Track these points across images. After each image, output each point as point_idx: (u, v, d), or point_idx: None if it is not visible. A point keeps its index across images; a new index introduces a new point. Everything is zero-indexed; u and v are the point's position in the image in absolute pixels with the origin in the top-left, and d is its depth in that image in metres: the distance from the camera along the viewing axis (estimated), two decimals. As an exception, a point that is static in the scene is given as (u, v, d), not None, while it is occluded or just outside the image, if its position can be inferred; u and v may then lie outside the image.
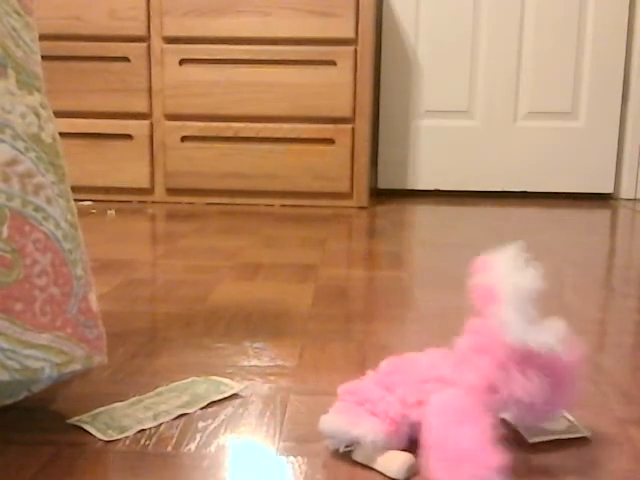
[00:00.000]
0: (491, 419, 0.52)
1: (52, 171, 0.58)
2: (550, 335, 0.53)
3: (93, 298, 0.62)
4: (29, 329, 0.55)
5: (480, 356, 0.55)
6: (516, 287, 0.53)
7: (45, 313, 0.56)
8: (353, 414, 0.55)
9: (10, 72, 0.56)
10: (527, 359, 0.54)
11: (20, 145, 0.55)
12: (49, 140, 0.58)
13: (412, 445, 0.55)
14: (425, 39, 2.25)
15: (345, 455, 0.56)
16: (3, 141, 0.54)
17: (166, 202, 2.05)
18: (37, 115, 0.57)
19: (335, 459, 0.56)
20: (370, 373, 0.60)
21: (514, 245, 0.56)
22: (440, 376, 0.57)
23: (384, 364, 0.61)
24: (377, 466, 0.54)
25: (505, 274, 0.54)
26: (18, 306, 0.54)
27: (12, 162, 0.55)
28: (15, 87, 0.56)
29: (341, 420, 0.55)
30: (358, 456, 0.55)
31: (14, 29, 0.58)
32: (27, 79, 0.57)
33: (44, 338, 0.56)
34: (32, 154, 0.56)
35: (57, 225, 0.58)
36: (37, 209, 0.56)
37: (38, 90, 0.59)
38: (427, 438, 0.52)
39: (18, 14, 0.58)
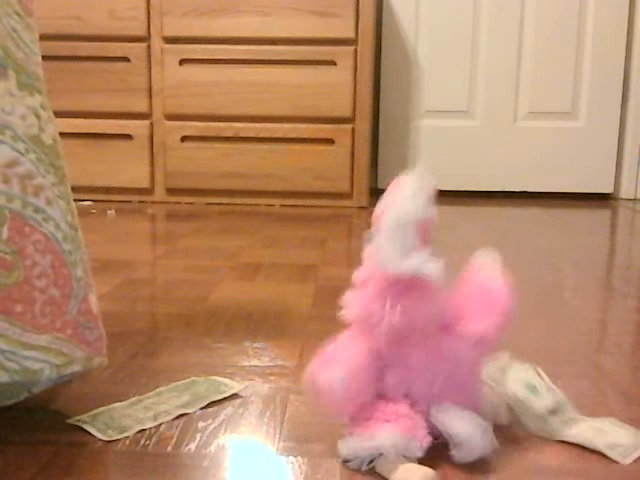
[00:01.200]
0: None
1: (52, 172, 0.58)
2: (420, 261, 0.51)
3: (93, 299, 0.62)
4: (29, 330, 0.55)
5: (365, 286, 0.54)
6: (397, 213, 0.51)
7: (45, 314, 0.56)
8: (366, 429, 0.54)
9: (11, 73, 0.56)
10: (411, 288, 0.52)
11: (20, 146, 0.55)
12: (49, 141, 0.58)
13: (437, 454, 0.54)
14: (425, 39, 2.25)
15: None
16: (3, 142, 0.54)
17: (166, 202, 2.05)
18: (37, 116, 0.58)
19: (335, 459, 0.56)
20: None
21: (422, 169, 0.54)
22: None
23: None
24: (397, 477, 0.51)
25: (396, 199, 0.53)
26: (18, 307, 0.54)
27: (12, 163, 0.55)
28: (15, 88, 0.56)
29: (356, 439, 0.54)
30: (381, 468, 0.53)
31: (15, 30, 0.58)
32: (27, 80, 0.57)
33: (44, 339, 0.56)
34: (32, 155, 0.56)
35: (57, 226, 0.58)
36: (37, 210, 0.56)
37: (39, 91, 0.59)
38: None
39: (19, 15, 0.58)
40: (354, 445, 0.54)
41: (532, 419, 0.61)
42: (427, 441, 0.54)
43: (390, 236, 0.51)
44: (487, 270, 0.57)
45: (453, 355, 0.56)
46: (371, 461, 0.54)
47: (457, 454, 0.54)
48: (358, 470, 0.54)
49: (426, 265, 0.51)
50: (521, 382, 0.64)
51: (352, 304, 0.55)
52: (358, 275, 0.55)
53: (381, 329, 0.53)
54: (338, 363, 0.54)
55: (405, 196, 0.52)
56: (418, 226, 0.52)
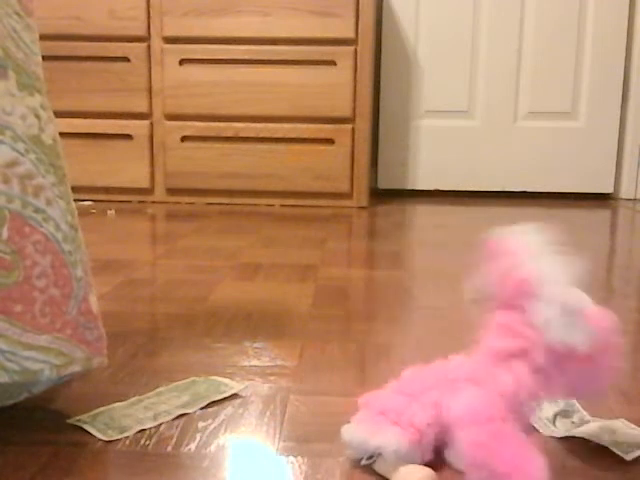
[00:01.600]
0: (522, 423, 0.50)
1: (52, 172, 0.58)
2: (589, 332, 0.50)
3: (93, 300, 0.62)
4: (29, 331, 0.55)
5: (516, 359, 0.52)
6: (558, 283, 0.50)
7: (45, 315, 0.56)
8: (374, 424, 0.54)
9: (11, 73, 0.56)
10: (566, 356, 0.51)
11: (20, 147, 0.55)
12: (49, 141, 0.58)
13: (437, 456, 0.54)
14: (425, 39, 2.25)
15: (352, 462, 0.56)
16: (3, 142, 0.54)
17: (166, 202, 2.05)
18: (37, 117, 0.58)
19: (335, 459, 0.56)
20: (392, 382, 0.58)
21: (532, 226, 0.53)
22: (472, 376, 0.53)
23: (406, 373, 0.58)
24: (396, 479, 0.51)
25: (542, 264, 0.51)
26: (18, 308, 0.54)
27: (12, 163, 0.55)
28: (15, 88, 0.56)
29: (362, 430, 0.54)
30: (379, 467, 0.53)
31: (15, 30, 0.58)
32: (28, 80, 0.57)
33: (44, 340, 0.56)
34: (32, 155, 0.56)
35: (57, 227, 0.58)
36: (37, 211, 0.56)
37: (39, 91, 0.59)
38: (460, 455, 0.50)
39: (19, 15, 0.58)
40: (357, 435, 0.54)
41: (541, 422, 0.61)
42: (429, 457, 0.53)
43: (561, 311, 0.51)
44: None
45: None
46: (370, 457, 0.53)
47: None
48: (356, 467, 0.54)
49: (588, 338, 0.51)
50: None
51: (500, 375, 0.52)
52: (507, 344, 0.53)
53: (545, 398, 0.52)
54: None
55: (556, 263, 0.52)
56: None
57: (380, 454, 0.53)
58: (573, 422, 0.61)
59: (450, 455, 0.53)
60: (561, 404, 0.62)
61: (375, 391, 0.58)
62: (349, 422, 0.56)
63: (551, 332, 0.50)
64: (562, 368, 0.52)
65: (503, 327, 0.53)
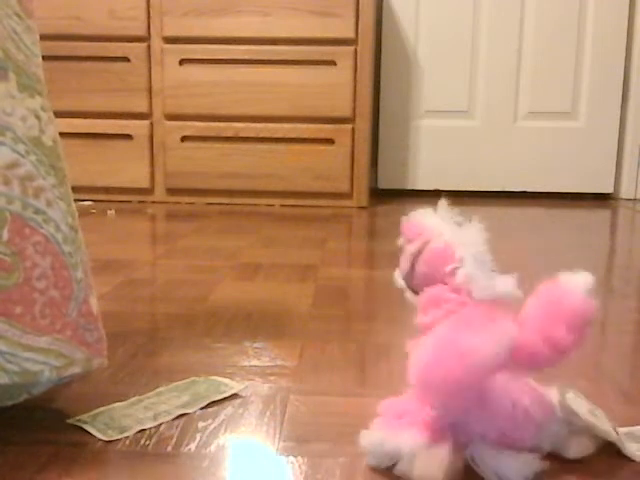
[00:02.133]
0: None
1: (52, 174, 0.58)
2: (510, 284, 0.53)
3: (93, 301, 0.62)
4: (29, 332, 0.55)
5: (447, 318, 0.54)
6: (471, 242, 0.53)
7: (45, 316, 0.56)
8: (391, 427, 0.54)
9: (11, 75, 0.56)
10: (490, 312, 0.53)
11: (21, 148, 0.56)
12: (50, 143, 0.59)
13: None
14: (425, 39, 2.25)
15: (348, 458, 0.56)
16: (4, 144, 0.54)
17: (166, 202, 2.05)
18: (38, 118, 0.58)
19: (335, 459, 0.56)
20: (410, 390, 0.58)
21: (436, 208, 0.56)
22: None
23: None
24: (417, 472, 0.51)
25: (452, 233, 0.54)
26: (18, 309, 0.54)
27: (12, 165, 0.55)
28: (16, 90, 0.56)
29: (378, 434, 0.54)
30: (399, 470, 0.53)
31: (15, 32, 0.58)
32: (28, 82, 0.57)
33: (44, 341, 0.56)
34: (32, 157, 0.56)
35: (57, 228, 0.58)
36: (37, 212, 0.56)
37: (39, 93, 0.59)
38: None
39: (19, 17, 0.58)
40: (374, 440, 0.54)
41: (620, 443, 0.59)
42: (448, 457, 0.53)
43: (480, 266, 0.53)
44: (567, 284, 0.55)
45: (510, 396, 0.54)
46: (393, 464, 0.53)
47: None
48: (356, 467, 0.54)
49: (512, 286, 0.53)
50: (589, 412, 0.62)
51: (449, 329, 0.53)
52: (437, 314, 0.55)
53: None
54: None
55: (467, 230, 0.55)
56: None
57: (401, 458, 0.52)
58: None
59: (472, 457, 0.53)
60: (604, 417, 0.62)
61: (393, 397, 0.58)
62: (367, 428, 0.56)
63: (476, 287, 0.52)
64: (491, 321, 0.53)
65: (430, 302, 0.55)
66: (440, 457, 0.51)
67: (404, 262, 0.57)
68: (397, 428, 0.53)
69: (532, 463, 0.53)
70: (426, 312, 0.55)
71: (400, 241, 0.58)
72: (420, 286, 0.57)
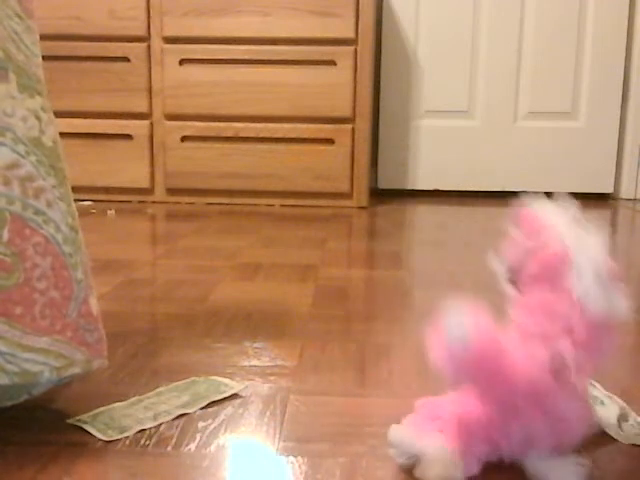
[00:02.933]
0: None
1: (53, 174, 0.58)
2: (626, 301, 0.50)
3: (93, 302, 0.62)
4: (29, 333, 0.55)
5: (560, 337, 0.51)
6: (592, 255, 0.49)
7: (45, 317, 0.56)
8: (421, 428, 0.53)
9: (11, 75, 0.56)
10: (604, 329, 0.51)
11: (21, 149, 0.56)
12: (50, 144, 0.59)
13: (485, 474, 0.52)
14: (425, 39, 2.25)
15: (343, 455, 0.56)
16: (4, 145, 0.54)
17: (166, 202, 2.06)
18: (38, 119, 0.58)
19: (335, 459, 0.56)
20: (451, 392, 0.56)
21: (558, 203, 0.52)
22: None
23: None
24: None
25: (573, 238, 0.50)
26: (18, 310, 0.54)
27: (13, 166, 0.55)
28: (16, 91, 0.56)
29: (407, 432, 0.53)
30: (417, 472, 0.52)
31: (15, 32, 0.58)
32: (28, 82, 0.58)
33: (44, 342, 0.56)
34: (33, 158, 0.56)
35: (57, 228, 0.58)
36: (37, 213, 0.56)
37: (39, 93, 0.59)
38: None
39: (19, 17, 0.58)
40: (401, 437, 0.53)
41: (612, 429, 0.61)
42: (474, 471, 0.52)
43: (599, 283, 0.50)
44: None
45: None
46: (411, 458, 0.53)
47: None
48: (356, 467, 0.54)
49: (625, 306, 0.51)
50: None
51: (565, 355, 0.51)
52: (548, 328, 0.52)
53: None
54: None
55: (586, 236, 0.51)
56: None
57: (420, 458, 0.52)
58: (632, 424, 0.61)
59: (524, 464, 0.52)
60: (617, 407, 0.63)
61: (433, 396, 0.57)
62: (399, 422, 0.55)
63: (592, 303, 0.49)
64: (600, 342, 0.51)
65: (539, 308, 0.52)
66: (453, 469, 0.50)
67: (514, 254, 0.53)
68: (426, 430, 0.53)
69: (581, 466, 0.52)
70: (532, 316, 0.52)
71: (512, 229, 0.54)
72: (525, 284, 0.53)
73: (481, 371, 0.49)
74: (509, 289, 0.55)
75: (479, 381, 0.50)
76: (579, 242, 0.50)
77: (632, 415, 0.63)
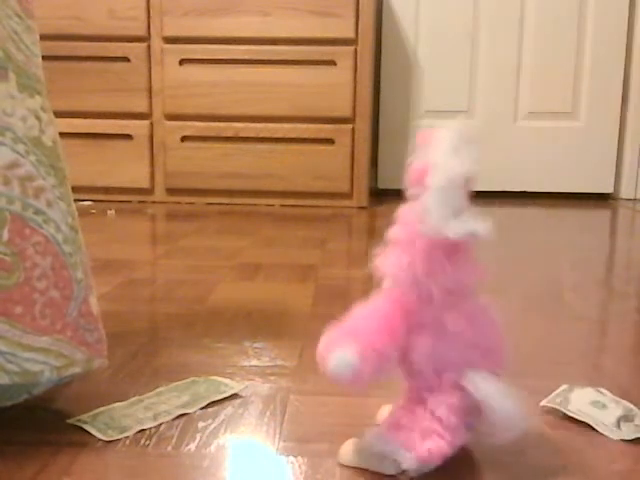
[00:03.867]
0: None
1: (53, 174, 0.58)
2: (472, 222, 0.49)
3: (94, 301, 0.62)
4: (29, 332, 0.55)
5: (405, 246, 0.52)
6: (446, 173, 0.49)
7: (45, 316, 0.56)
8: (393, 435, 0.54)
9: (11, 75, 0.56)
10: (457, 249, 0.51)
11: (20, 148, 0.56)
12: (50, 143, 0.59)
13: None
14: (425, 39, 2.25)
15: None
16: (4, 144, 0.54)
17: (166, 202, 2.06)
18: (38, 118, 0.58)
19: (335, 459, 0.56)
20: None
21: (461, 124, 0.52)
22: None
23: None
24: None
25: (440, 154, 0.50)
26: (18, 309, 0.54)
27: (12, 165, 0.55)
28: (16, 90, 0.56)
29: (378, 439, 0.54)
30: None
31: (15, 32, 0.58)
32: (28, 82, 0.58)
33: (44, 341, 0.56)
34: (32, 157, 0.56)
35: (57, 228, 0.58)
36: (37, 212, 0.56)
37: (39, 93, 0.59)
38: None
39: (19, 17, 0.58)
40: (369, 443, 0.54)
41: (607, 428, 0.61)
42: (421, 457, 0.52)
43: (441, 197, 0.49)
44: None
45: (489, 319, 0.54)
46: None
47: (494, 432, 0.52)
48: (356, 467, 0.54)
49: (477, 225, 0.49)
50: (586, 402, 0.64)
51: (391, 263, 0.52)
52: (395, 234, 0.53)
53: (426, 291, 0.51)
54: (350, 341, 0.51)
55: (449, 153, 0.50)
56: (464, 184, 0.50)
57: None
58: (636, 425, 0.61)
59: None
60: (620, 409, 0.63)
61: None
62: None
63: (430, 219, 0.49)
64: (447, 256, 0.51)
65: (399, 217, 0.53)
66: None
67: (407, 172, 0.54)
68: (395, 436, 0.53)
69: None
70: (395, 227, 0.53)
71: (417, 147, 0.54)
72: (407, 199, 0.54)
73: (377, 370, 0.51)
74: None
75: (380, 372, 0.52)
76: (441, 160, 0.50)
77: (639, 417, 0.63)
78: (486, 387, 0.51)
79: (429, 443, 0.51)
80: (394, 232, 0.53)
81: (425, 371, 0.53)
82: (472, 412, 0.52)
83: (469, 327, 0.52)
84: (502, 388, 0.52)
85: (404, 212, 0.52)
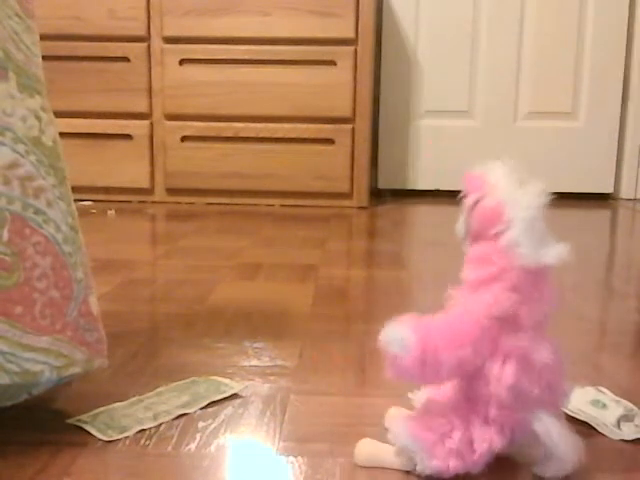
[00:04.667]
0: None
1: (52, 174, 0.58)
2: (559, 249, 0.51)
3: (93, 301, 0.62)
4: (29, 332, 0.55)
5: (491, 283, 0.52)
6: (524, 205, 0.51)
7: (45, 316, 0.56)
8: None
9: (11, 75, 0.56)
10: (540, 280, 0.52)
11: (21, 148, 0.56)
12: (50, 143, 0.59)
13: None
14: (425, 39, 2.25)
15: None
16: (4, 144, 0.54)
17: (166, 202, 2.06)
18: (38, 118, 0.58)
19: (335, 459, 0.56)
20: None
21: (504, 162, 0.53)
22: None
23: None
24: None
25: (507, 192, 0.52)
26: (18, 309, 0.54)
27: (12, 165, 0.55)
28: (16, 90, 0.56)
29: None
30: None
31: (15, 32, 0.58)
32: (28, 82, 0.58)
33: (44, 341, 0.56)
34: (32, 157, 0.56)
35: (57, 228, 0.58)
36: (37, 212, 0.56)
37: (39, 93, 0.59)
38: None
39: (19, 17, 0.58)
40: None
41: (606, 428, 0.61)
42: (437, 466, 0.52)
43: (529, 228, 0.51)
44: None
45: (558, 354, 0.54)
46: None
47: (546, 469, 0.52)
48: (356, 467, 0.54)
49: (563, 250, 0.51)
50: (586, 402, 0.65)
51: (488, 301, 0.52)
52: (478, 274, 0.53)
53: (514, 319, 0.51)
54: (415, 329, 0.51)
55: (518, 188, 0.52)
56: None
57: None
58: (636, 425, 0.61)
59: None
60: (621, 409, 0.63)
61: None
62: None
63: (521, 249, 0.51)
64: (540, 289, 0.52)
65: (476, 259, 0.54)
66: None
67: (461, 214, 0.55)
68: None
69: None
70: (471, 268, 0.54)
71: (461, 194, 0.56)
72: (471, 241, 0.55)
73: (430, 366, 0.50)
74: (466, 250, 0.56)
75: (435, 377, 0.52)
76: (513, 196, 0.52)
77: (639, 417, 0.63)
78: (554, 430, 0.51)
79: (454, 462, 0.51)
80: (473, 273, 0.53)
81: (497, 400, 0.52)
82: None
83: (555, 361, 0.52)
84: (565, 430, 0.52)
85: (480, 252, 0.53)
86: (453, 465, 0.51)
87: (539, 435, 0.51)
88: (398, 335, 0.50)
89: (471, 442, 0.52)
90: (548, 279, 0.53)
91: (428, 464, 0.51)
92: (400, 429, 0.53)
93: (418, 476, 0.53)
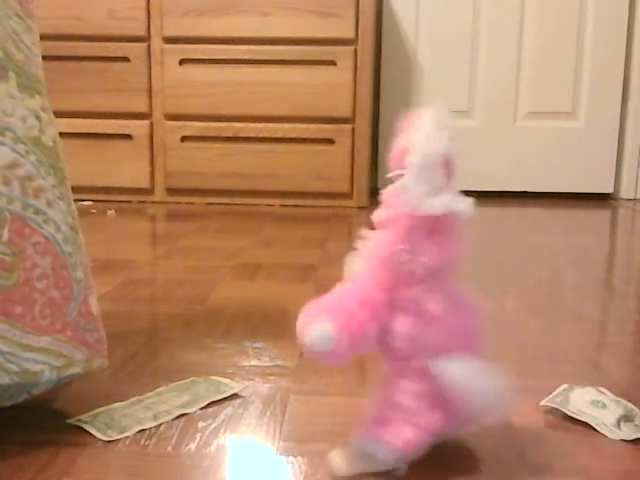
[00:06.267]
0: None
1: (52, 174, 0.58)
2: (451, 199, 0.50)
3: (93, 301, 0.62)
4: (29, 332, 0.55)
5: (389, 226, 0.52)
6: (423, 152, 0.50)
7: (45, 316, 0.56)
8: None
9: (11, 75, 0.56)
10: (439, 229, 0.51)
11: (20, 148, 0.56)
12: (50, 143, 0.59)
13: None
14: (425, 39, 2.25)
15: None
16: (3, 144, 0.54)
17: (166, 202, 2.05)
18: (38, 118, 0.58)
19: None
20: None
21: (441, 105, 0.52)
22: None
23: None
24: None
25: (418, 137, 0.51)
26: (18, 309, 0.54)
27: (12, 165, 0.55)
28: (16, 90, 0.56)
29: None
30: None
31: (15, 32, 0.58)
32: (28, 82, 0.58)
33: (44, 341, 0.56)
34: (32, 157, 0.56)
35: (57, 228, 0.58)
36: (37, 212, 0.56)
37: (39, 93, 0.59)
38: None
39: (19, 17, 0.58)
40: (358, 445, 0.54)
41: (606, 428, 0.61)
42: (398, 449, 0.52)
43: (418, 175, 0.50)
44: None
45: (471, 306, 0.54)
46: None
47: (472, 414, 0.52)
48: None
49: (457, 202, 0.50)
50: (586, 402, 0.65)
51: (376, 243, 0.53)
52: (380, 215, 0.53)
53: (408, 269, 0.51)
54: (330, 314, 0.50)
55: (428, 133, 0.50)
56: (443, 163, 0.50)
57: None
58: (636, 425, 0.61)
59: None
60: (621, 409, 0.63)
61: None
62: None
63: (408, 197, 0.50)
64: (428, 234, 0.51)
65: (383, 201, 0.54)
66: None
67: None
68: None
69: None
70: (378, 210, 0.54)
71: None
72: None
73: (360, 340, 0.51)
74: None
75: (366, 347, 0.52)
76: (424, 140, 0.51)
77: (639, 417, 0.63)
78: (456, 370, 0.51)
79: (403, 433, 0.51)
80: (378, 214, 0.54)
81: (399, 353, 0.52)
82: (445, 398, 0.52)
83: (451, 311, 0.52)
84: (476, 368, 0.51)
85: (387, 194, 0.53)
86: (407, 437, 0.51)
87: (443, 380, 0.51)
88: (317, 332, 0.49)
89: (407, 409, 0.51)
90: (450, 230, 0.52)
91: (390, 452, 0.51)
92: (356, 438, 0.54)
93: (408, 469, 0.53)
